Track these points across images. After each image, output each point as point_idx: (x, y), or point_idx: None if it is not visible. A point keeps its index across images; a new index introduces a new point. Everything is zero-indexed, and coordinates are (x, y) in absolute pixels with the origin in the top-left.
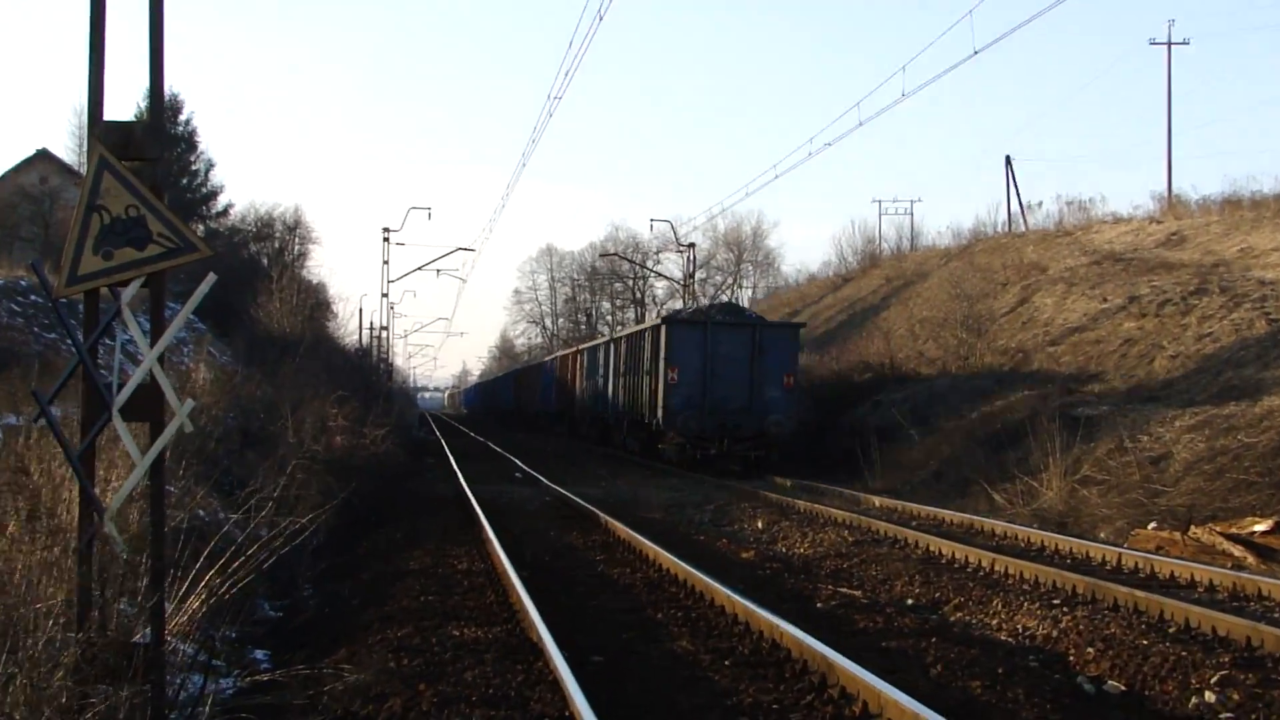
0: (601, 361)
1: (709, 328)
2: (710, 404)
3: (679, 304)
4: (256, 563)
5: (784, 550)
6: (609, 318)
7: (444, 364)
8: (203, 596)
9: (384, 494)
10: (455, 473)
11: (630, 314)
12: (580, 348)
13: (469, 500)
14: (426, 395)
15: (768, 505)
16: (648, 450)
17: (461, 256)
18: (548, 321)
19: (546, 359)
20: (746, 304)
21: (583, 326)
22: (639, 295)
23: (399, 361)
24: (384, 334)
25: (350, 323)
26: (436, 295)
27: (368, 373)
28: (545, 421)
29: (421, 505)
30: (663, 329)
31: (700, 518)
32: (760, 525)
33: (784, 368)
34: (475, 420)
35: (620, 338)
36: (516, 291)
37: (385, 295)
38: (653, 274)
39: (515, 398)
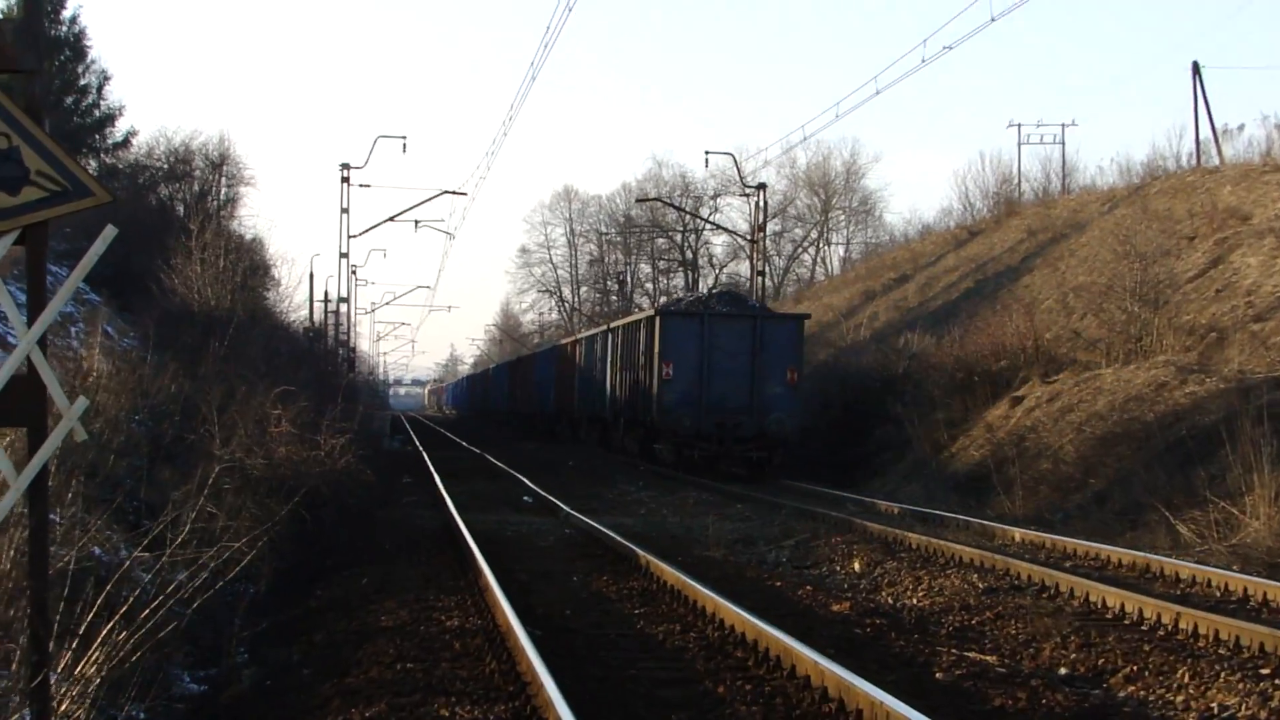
0: (599, 354)
1: (706, 319)
2: (708, 401)
3: (744, 268)
4: (172, 618)
5: (890, 601)
6: (649, 285)
7: (425, 348)
8: (98, 663)
9: (347, 525)
10: (442, 497)
11: (679, 280)
12: (579, 336)
13: (461, 534)
14: (402, 392)
15: (867, 539)
16: (646, 452)
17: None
18: (566, 291)
19: (542, 349)
20: (837, 264)
21: (613, 297)
22: (690, 254)
23: (364, 345)
24: (343, 308)
25: (298, 293)
26: (415, 256)
27: (322, 361)
28: (543, 422)
29: (397, 540)
30: (656, 320)
31: (775, 556)
32: (857, 567)
33: (787, 362)
34: (465, 424)
35: (618, 327)
36: (523, 251)
37: (345, 255)
38: (709, 225)
39: (511, 395)
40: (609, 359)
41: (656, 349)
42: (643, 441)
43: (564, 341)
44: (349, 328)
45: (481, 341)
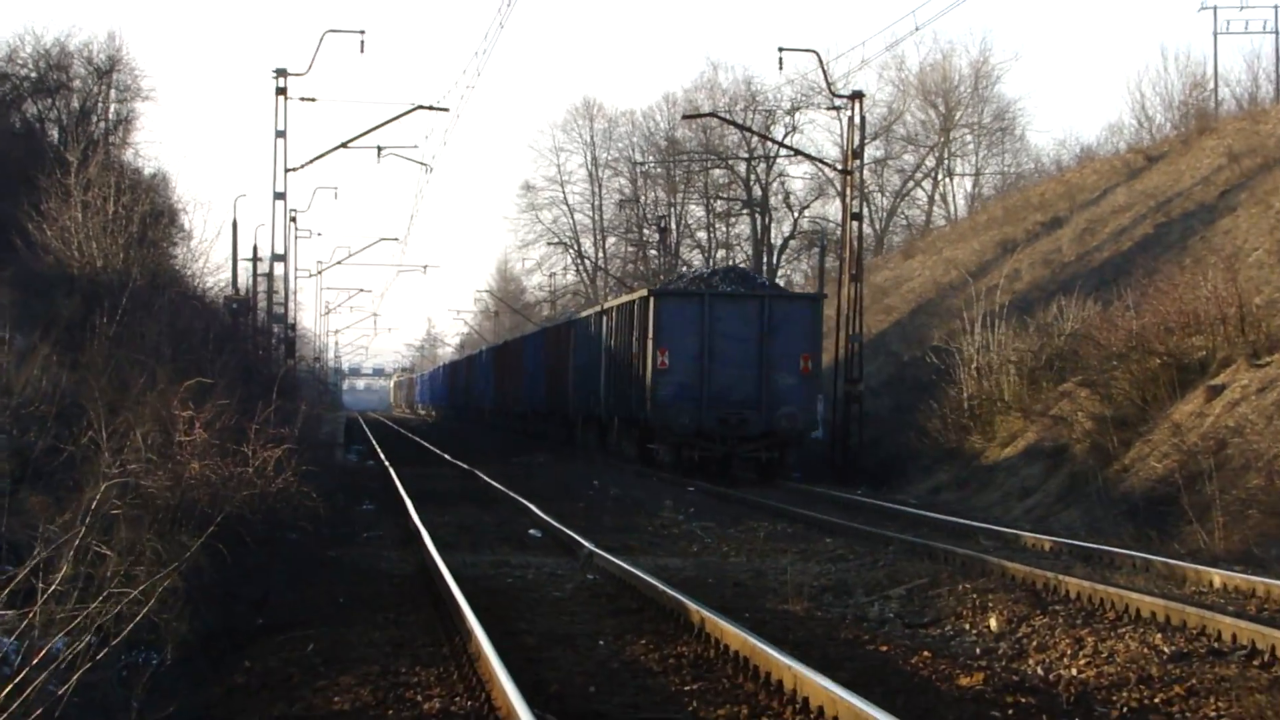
0: (594, 339)
1: (708, 300)
2: (709, 394)
3: (834, 209)
4: (43, 700)
5: (1039, 672)
6: (700, 235)
7: (393, 324)
8: None
9: (286, 569)
10: (416, 530)
11: (743, 228)
12: (574, 317)
13: (443, 581)
14: (360, 385)
15: (1007, 586)
16: (643, 454)
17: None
18: (587, 243)
19: (535, 331)
20: (962, 203)
21: (651, 252)
22: (759, 191)
23: (308, 320)
24: (279, 270)
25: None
26: (378, 197)
27: (250, 343)
28: (534, 423)
29: (356, 591)
30: (650, 302)
31: (880, 610)
32: (994, 624)
33: (800, 348)
34: (443, 429)
35: (612, 308)
36: (527, 188)
37: (281, 196)
38: (784, 151)
39: (498, 389)
40: (603, 346)
41: (650, 334)
42: (638, 443)
43: (554, 323)
44: (287, 297)
45: (470, 315)
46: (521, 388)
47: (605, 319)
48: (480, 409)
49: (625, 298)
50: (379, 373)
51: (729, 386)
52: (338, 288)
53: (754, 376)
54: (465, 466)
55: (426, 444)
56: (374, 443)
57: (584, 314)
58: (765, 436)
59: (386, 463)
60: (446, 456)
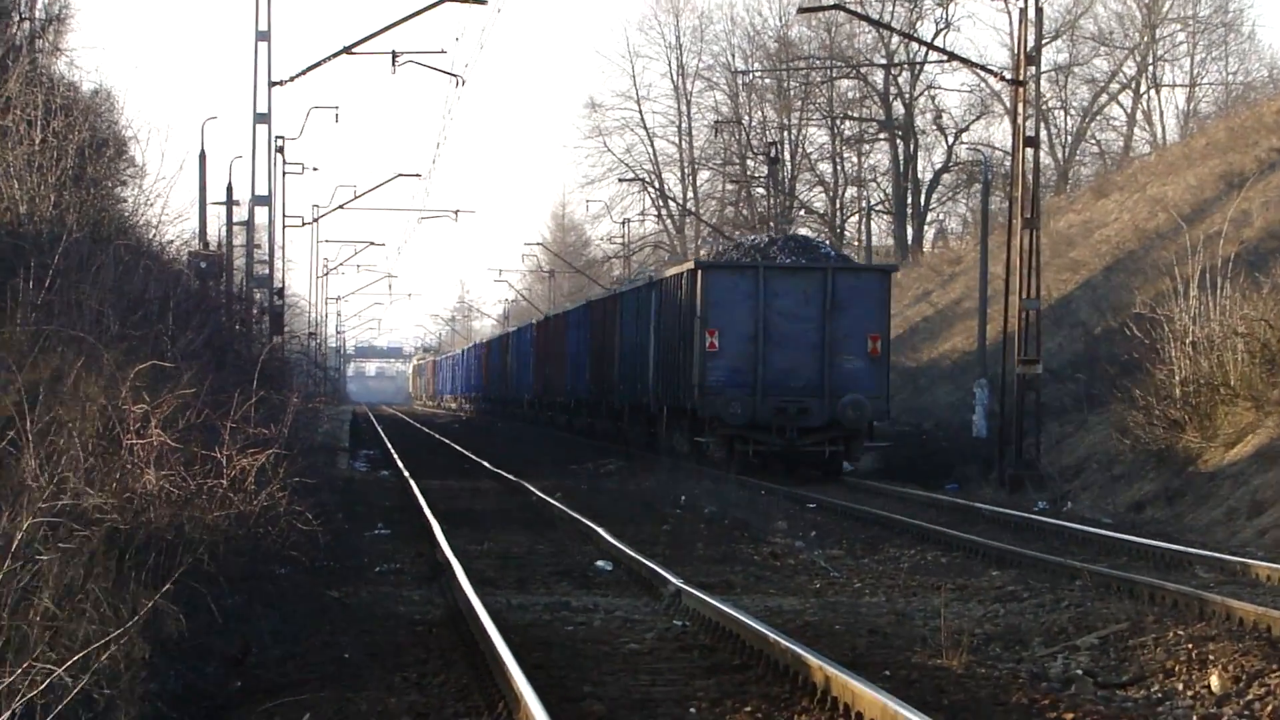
0: (642, 316)
1: (762, 273)
2: (765, 381)
3: (1000, 133)
4: None
5: None
6: (823, 167)
7: (414, 289)
8: None
9: (274, 615)
10: (446, 561)
11: (879, 157)
12: (620, 290)
13: (481, 630)
14: (370, 370)
15: (1232, 632)
16: (695, 450)
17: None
18: (671, 179)
19: (573, 307)
20: (1172, 124)
21: (757, 191)
22: (901, 106)
23: (300, 285)
24: (262, 217)
25: (179, 192)
26: (392, 121)
27: (224, 315)
28: (577, 415)
29: (366, 642)
30: (698, 275)
31: (1064, 665)
32: (1215, 683)
33: (868, 328)
34: (478, 427)
35: (662, 279)
36: (592, 107)
37: (263, 119)
38: (935, 56)
39: (537, 375)
40: (652, 324)
41: (698, 312)
42: (689, 434)
43: (599, 296)
44: (272, 253)
45: (516, 276)
46: (564, 373)
47: (656, 292)
48: (519, 400)
49: (674, 269)
50: (395, 353)
51: (787, 371)
52: (341, 241)
53: (816, 360)
54: (509, 477)
55: (458, 447)
56: (389, 446)
57: (632, 286)
58: (829, 428)
59: (405, 473)
60: (485, 464)
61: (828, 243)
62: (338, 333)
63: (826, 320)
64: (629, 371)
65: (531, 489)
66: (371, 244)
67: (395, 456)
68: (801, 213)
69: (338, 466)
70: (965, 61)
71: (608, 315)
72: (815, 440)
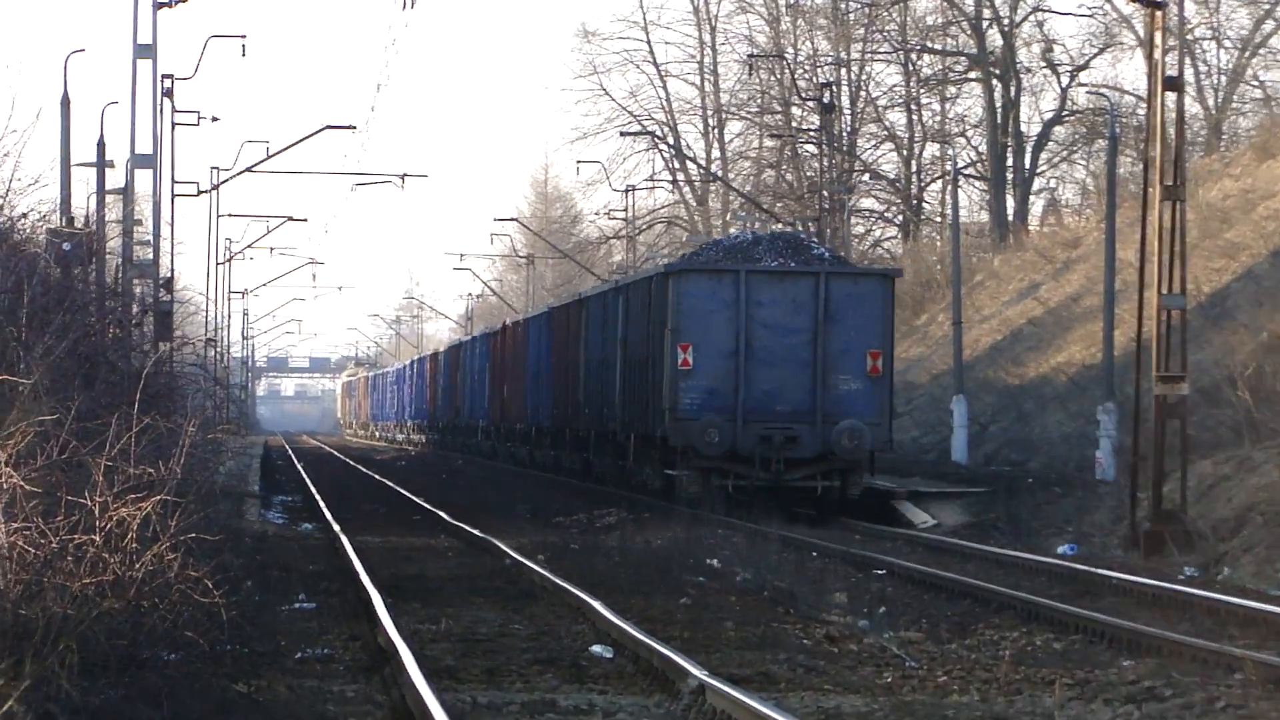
0: (608, 326)
1: (744, 279)
2: (747, 404)
3: (1131, 70)
4: None
5: None
6: (894, 118)
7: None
8: None
9: (163, 717)
10: (390, 645)
11: (968, 103)
12: (585, 295)
13: None
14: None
15: None
16: (667, 486)
17: None
18: (690, 132)
19: (535, 313)
20: None
21: (806, 149)
22: (998, 37)
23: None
24: (144, 183)
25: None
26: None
27: (94, 313)
28: (542, 446)
29: None
30: (667, 282)
31: None
32: None
33: (867, 342)
34: (428, 464)
35: (628, 283)
36: (586, 36)
37: (147, 53)
38: None
39: (493, 397)
40: (619, 336)
41: (669, 324)
42: (658, 467)
43: (562, 301)
44: (157, 232)
45: (485, 265)
46: (523, 394)
47: (622, 299)
48: (472, 428)
49: (641, 273)
50: (321, 366)
51: (773, 393)
52: (250, 216)
53: (806, 380)
54: (473, 533)
55: (404, 491)
56: (312, 490)
57: (598, 289)
58: (821, 459)
59: (335, 526)
60: (440, 514)
61: (816, 242)
62: (245, 339)
63: (819, 333)
64: (594, 393)
65: (504, 548)
66: (290, 219)
67: (321, 504)
68: (865, 178)
69: (246, 518)
70: None
71: (571, 325)
72: (805, 474)
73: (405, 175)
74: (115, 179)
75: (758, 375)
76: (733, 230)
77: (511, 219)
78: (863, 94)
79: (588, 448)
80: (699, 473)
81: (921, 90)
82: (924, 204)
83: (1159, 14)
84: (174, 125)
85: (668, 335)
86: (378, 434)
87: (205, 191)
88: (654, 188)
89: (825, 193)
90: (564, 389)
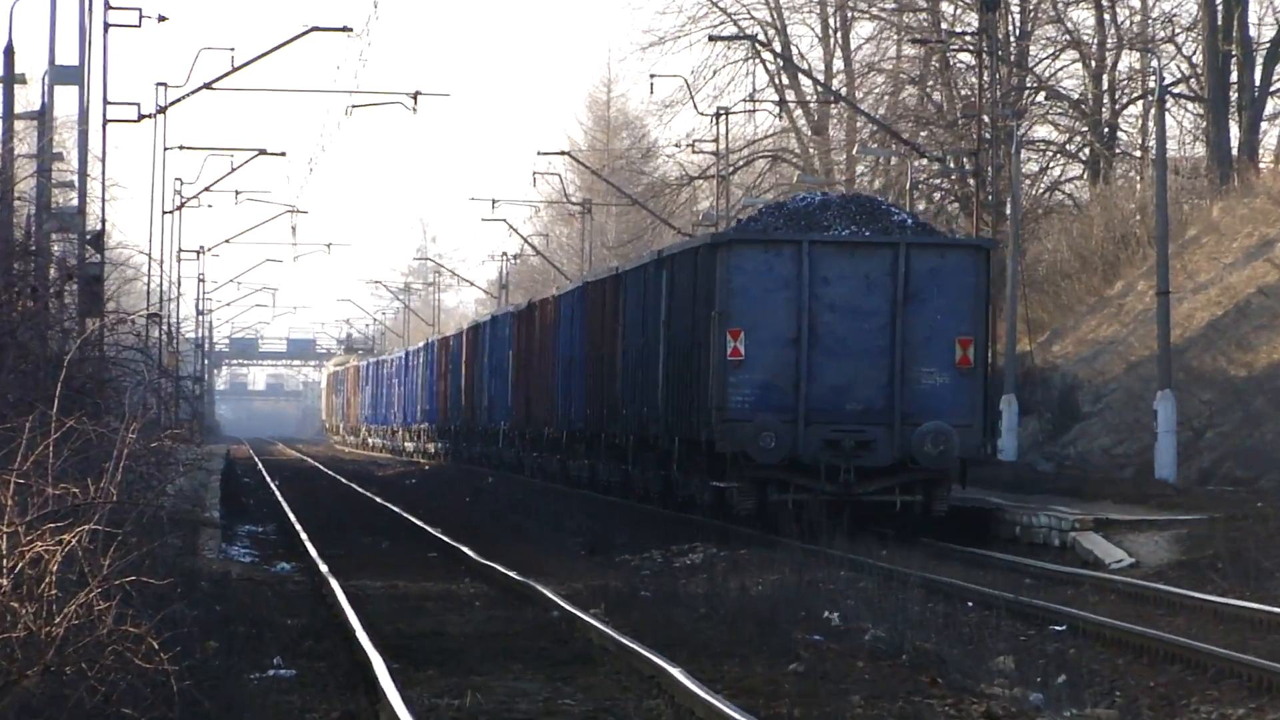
0: (650, 307)
1: (807, 251)
2: (811, 402)
3: None
4: None
5: None
6: (1078, 14)
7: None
8: None
9: None
10: None
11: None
12: (623, 269)
13: None
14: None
15: None
16: (718, 501)
17: None
18: (802, 35)
19: (564, 292)
20: None
21: (960, 58)
22: None
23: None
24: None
25: None
26: None
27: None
28: (575, 454)
29: None
30: (715, 256)
31: None
32: None
33: (957, 327)
34: (444, 481)
35: (673, 254)
36: None
37: None
38: None
39: (516, 394)
40: (663, 321)
41: (716, 306)
42: (705, 479)
43: (598, 275)
44: (83, 170)
45: (527, 213)
46: (553, 390)
47: (667, 274)
48: (492, 431)
49: (688, 241)
50: (302, 350)
51: (841, 390)
52: (208, 149)
53: (882, 373)
54: (508, 574)
55: (412, 518)
56: (289, 515)
57: (637, 262)
58: (899, 469)
59: (321, 565)
60: (465, 550)
61: (896, 207)
62: (201, 314)
63: (898, 317)
64: (634, 389)
65: (550, 596)
66: (263, 153)
67: (302, 536)
68: (1040, 98)
69: (202, 554)
70: None
71: (608, 304)
72: (881, 486)
73: (418, 94)
74: (29, 99)
75: (823, 367)
76: (860, 169)
77: (562, 153)
78: None
79: (626, 457)
80: (752, 485)
81: None
82: (1119, 133)
83: None
84: (107, 27)
85: (715, 319)
86: (374, 441)
87: (149, 116)
88: (754, 110)
89: (986, 118)
90: (599, 384)
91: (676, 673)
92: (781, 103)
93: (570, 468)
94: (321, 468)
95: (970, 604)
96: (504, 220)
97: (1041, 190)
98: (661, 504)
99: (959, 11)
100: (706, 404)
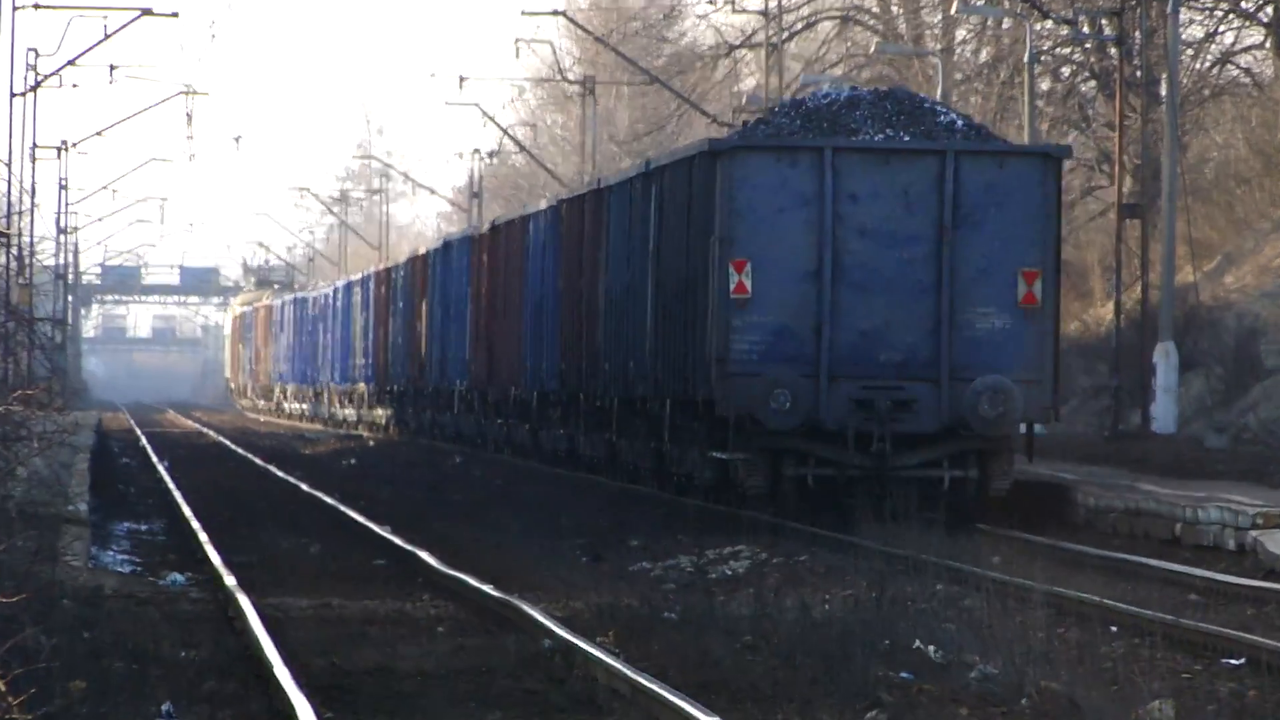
0: (636, 234)
1: (830, 160)
2: (836, 351)
3: None
4: None
5: None
6: None
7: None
8: None
9: None
10: None
11: None
12: (608, 181)
13: None
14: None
15: None
16: (718, 474)
17: None
18: None
19: (536, 210)
20: None
21: None
22: None
23: None
24: None
25: None
26: None
27: None
28: (548, 422)
29: None
30: (715, 167)
31: None
32: None
33: (1022, 256)
34: (390, 458)
35: (664, 165)
36: None
37: None
38: None
39: (477, 348)
40: (651, 249)
41: (716, 232)
42: (703, 449)
43: (570, 194)
44: None
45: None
46: (520, 340)
47: (656, 191)
48: (446, 391)
49: (682, 149)
50: (198, 286)
51: (874, 335)
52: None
53: (926, 314)
54: (481, 587)
55: (351, 511)
56: (182, 508)
57: (623, 174)
58: (948, 437)
59: (227, 577)
60: (422, 556)
61: (943, 105)
62: (64, 233)
63: (945, 244)
64: (617, 338)
65: (539, 618)
66: (148, 13)
67: (201, 537)
68: None
69: (65, 561)
70: None
71: (589, 230)
72: (925, 458)
73: None
74: None
75: (851, 308)
76: (960, 34)
77: (555, 13)
78: None
79: (610, 426)
80: (763, 456)
81: None
82: None
83: None
84: None
85: (714, 247)
86: (295, 407)
87: None
88: None
89: None
90: (577, 332)
91: (695, 711)
92: None
93: (543, 439)
94: (227, 443)
95: (1114, 629)
96: (476, 105)
97: (1208, 65)
98: (656, 484)
99: None
100: (704, 354)
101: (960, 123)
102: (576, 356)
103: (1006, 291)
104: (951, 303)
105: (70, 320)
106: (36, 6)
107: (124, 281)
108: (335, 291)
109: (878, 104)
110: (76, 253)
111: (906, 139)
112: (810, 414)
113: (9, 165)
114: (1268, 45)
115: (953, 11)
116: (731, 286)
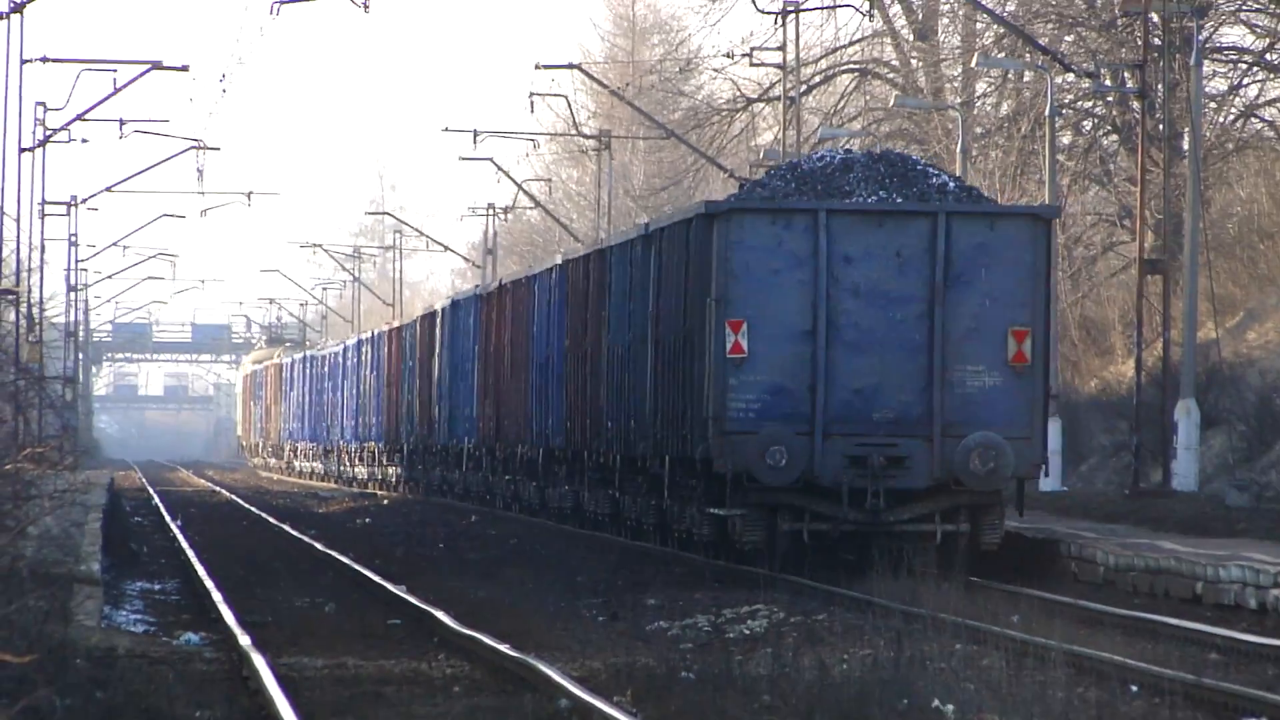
0: (636, 294)
1: (824, 222)
2: (830, 409)
3: None
4: None
5: None
6: None
7: (262, 188)
8: None
9: None
10: None
11: None
12: (609, 243)
13: None
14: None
15: None
16: (716, 530)
17: None
18: None
19: (539, 271)
20: None
21: None
22: None
23: None
24: None
25: None
26: None
27: None
28: (555, 479)
29: None
30: (711, 229)
31: None
32: None
33: (1012, 315)
34: (411, 519)
35: (663, 227)
36: None
37: None
38: None
39: (484, 404)
40: (650, 310)
41: (713, 292)
42: (702, 505)
43: (576, 254)
44: None
45: (521, 153)
46: (526, 398)
47: (655, 252)
48: (454, 452)
49: (679, 213)
50: (210, 344)
51: (868, 394)
52: (84, 61)
53: (918, 372)
54: (497, 647)
55: (366, 571)
56: (196, 567)
57: (623, 235)
58: (939, 492)
59: (241, 636)
60: (438, 615)
61: (934, 167)
62: (74, 291)
63: (937, 303)
64: (619, 396)
65: (556, 678)
66: (158, 67)
67: (215, 596)
68: None
69: (77, 621)
70: None
71: (592, 289)
72: (917, 513)
73: None
74: None
75: (845, 366)
76: (980, 87)
77: (570, 66)
78: None
79: (613, 482)
80: (759, 512)
81: None
82: None
83: None
84: None
85: (711, 307)
86: (305, 465)
87: (2, 15)
88: (835, 5)
89: (1156, 17)
90: (582, 390)
91: None
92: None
93: (550, 496)
94: (240, 502)
95: (1134, 688)
96: (490, 160)
97: (1232, 118)
98: (658, 540)
99: None
100: (701, 413)
101: (952, 184)
102: (581, 414)
103: (997, 350)
104: (943, 361)
105: (81, 378)
106: (45, 60)
107: (135, 339)
108: (346, 350)
109: (871, 166)
110: (87, 310)
111: (899, 200)
112: (805, 470)
113: (18, 221)
114: None
115: (973, 64)
116: (728, 346)
